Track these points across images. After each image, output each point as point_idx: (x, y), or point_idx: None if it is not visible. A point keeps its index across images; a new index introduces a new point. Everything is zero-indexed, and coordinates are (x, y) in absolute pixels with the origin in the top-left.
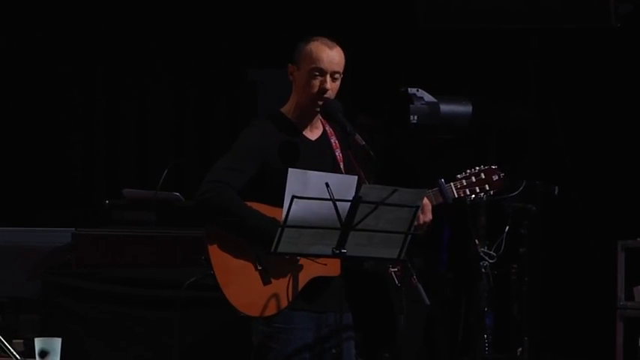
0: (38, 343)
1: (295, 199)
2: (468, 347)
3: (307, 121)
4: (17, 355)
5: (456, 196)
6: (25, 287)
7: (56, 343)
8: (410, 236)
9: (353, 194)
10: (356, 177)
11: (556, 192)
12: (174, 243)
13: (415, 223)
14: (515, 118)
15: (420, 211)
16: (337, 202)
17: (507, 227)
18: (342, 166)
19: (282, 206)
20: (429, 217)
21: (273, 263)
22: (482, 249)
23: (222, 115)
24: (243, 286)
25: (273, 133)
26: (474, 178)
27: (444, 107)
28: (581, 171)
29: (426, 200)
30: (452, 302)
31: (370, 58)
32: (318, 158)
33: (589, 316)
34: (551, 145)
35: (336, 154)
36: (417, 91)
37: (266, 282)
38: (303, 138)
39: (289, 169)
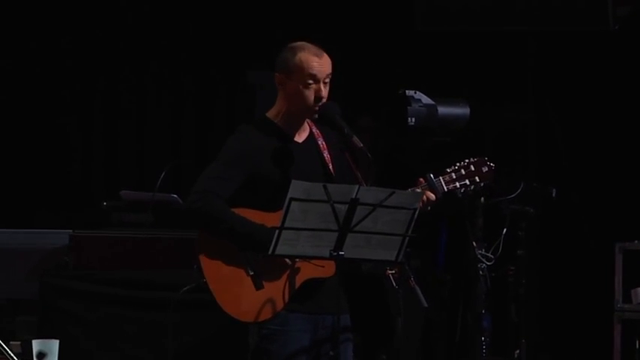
0: (36, 345)
1: (293, 201)
2: (465, 349)
3: (296, 127)
4: (15, 357)
5: (446, 189)
6: (23, 289)
7: (54, 344)
8: (407, 238)
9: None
10: (356, 186)
11: (554, 194)
12: (171, 245)
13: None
14: (513, 120)
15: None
16: (335, 205)
17: (505, 229)
18: (330, 167)
19: (272, 211)
20: (432, 196)
21: (264, 268)
22: (480, 251)
23: (221, 117)
24: (236, 293)
25: (260, 139)
26: (463, 171)
27: (442, 109)
28: (578, 173)
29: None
30: (449, 304)
31: (368, 60)
32: (306, 160)
33: (587, 318)
34: (549, 147)
35: (324, 155)
36: (415, 93)
37: (258, 287)
38: (290, 142)
39: (292, 181)
